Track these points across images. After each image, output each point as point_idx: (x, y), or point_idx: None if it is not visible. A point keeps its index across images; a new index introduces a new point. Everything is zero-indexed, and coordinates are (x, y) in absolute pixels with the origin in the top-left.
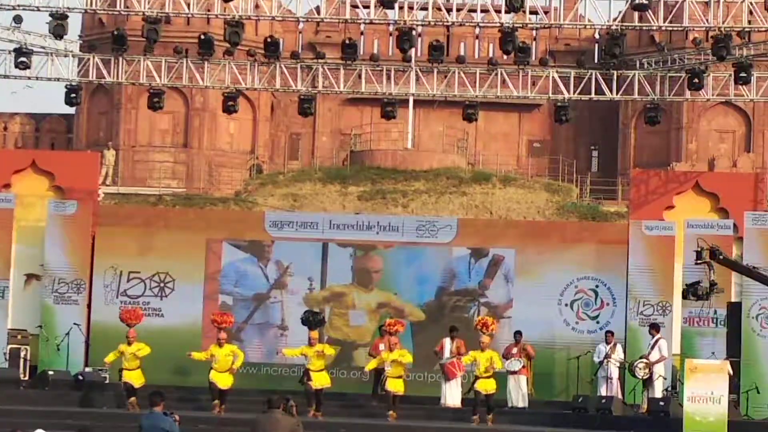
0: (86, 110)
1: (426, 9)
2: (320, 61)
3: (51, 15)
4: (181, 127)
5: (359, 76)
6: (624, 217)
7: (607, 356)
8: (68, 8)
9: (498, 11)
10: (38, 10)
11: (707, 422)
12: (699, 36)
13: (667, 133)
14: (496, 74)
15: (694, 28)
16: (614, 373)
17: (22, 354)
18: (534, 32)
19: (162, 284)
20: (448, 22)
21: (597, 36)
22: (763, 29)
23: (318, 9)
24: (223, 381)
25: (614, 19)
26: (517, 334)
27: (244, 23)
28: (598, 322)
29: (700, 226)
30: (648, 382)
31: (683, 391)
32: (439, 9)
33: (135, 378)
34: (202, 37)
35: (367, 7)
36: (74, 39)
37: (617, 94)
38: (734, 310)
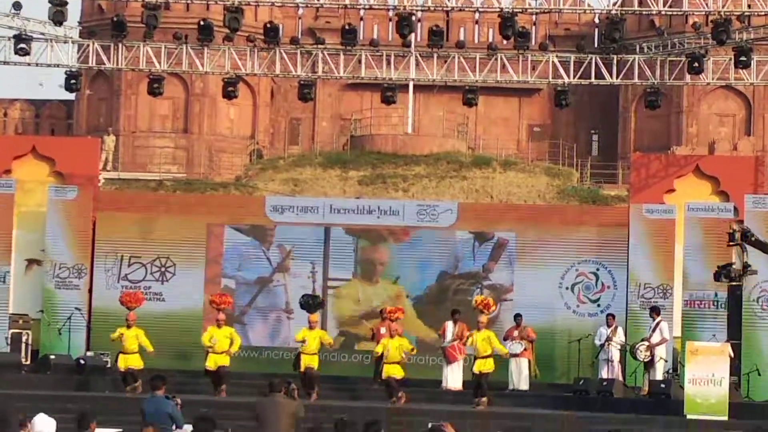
0: (86, 96)
1: None
2: (320, 46)
3: (50, 1)
4: (181, 112)
5: (359, 62)
6: (624, 200)
7: (609, 339)
8: None
9: None
10: None
11: (708, 404)
12: (699, 20)
13: (668, 117)
14: (496, 59)
15: (694, 12)
16: (615, 355)
17: (24, 339)
18: (534, 17)
19: (163, 269)
20: (447, 7)
21: (597, 20)
22: (763, 13)
23: None
24: (219, 361)
25: (614, 4)
26: (518, 317)
27: (244, 9)
28: (598, 305)
29: (700, 209)
30: (649, 365)
31: (684, 373)
32: None
33: (134, 362)
34: (202, 23)
35: None
36: (74, 25)
37: (617, 78)
38: (735, 293)
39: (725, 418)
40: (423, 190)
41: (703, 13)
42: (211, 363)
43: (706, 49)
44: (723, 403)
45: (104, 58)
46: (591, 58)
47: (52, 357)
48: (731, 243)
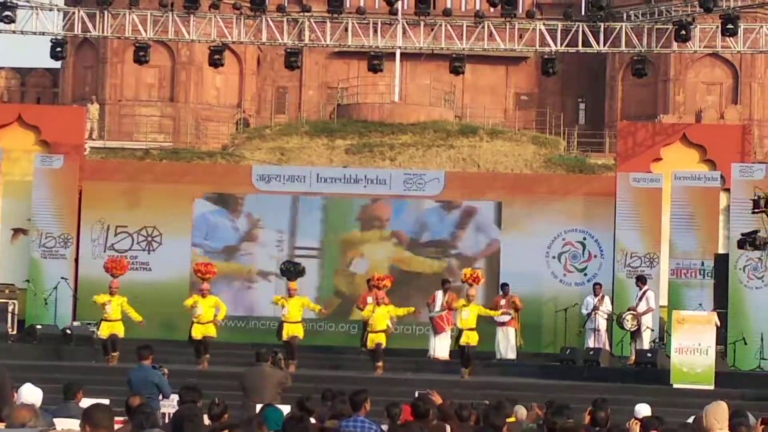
0: (72, 64)
1: None
2: (306, 14)
3: None
4: (167, 81)
5: (346, 30)
6: (611, 169)
7: (595, 308)
8: None
9: None
10: None
11: (694, 373)
12: None
13: (655, 86)
14: (483, 27)
15: None
16: (602, 324)
17: (10, 308)
18: None
19: (149, 238)
20: None
21: None
22: None
23: None
24: (205, 331)
25: None
26: (505, 286)
27: None
28: (585, 275)
29: (687, 177)
30: (636, 334)
31: (671, 342)
32: None
33: (117, 328)
34: None
35: None
36: None
37: (604, 46)
38: (721, 262)
39: (711, 387)
40: (410, 159)
41: None
42: (197, 333)
43: (693, 16)
44: (709, 372)
45: (90, 25)
46: (578, 26)
47: (39, 327)
48: (756, 210)
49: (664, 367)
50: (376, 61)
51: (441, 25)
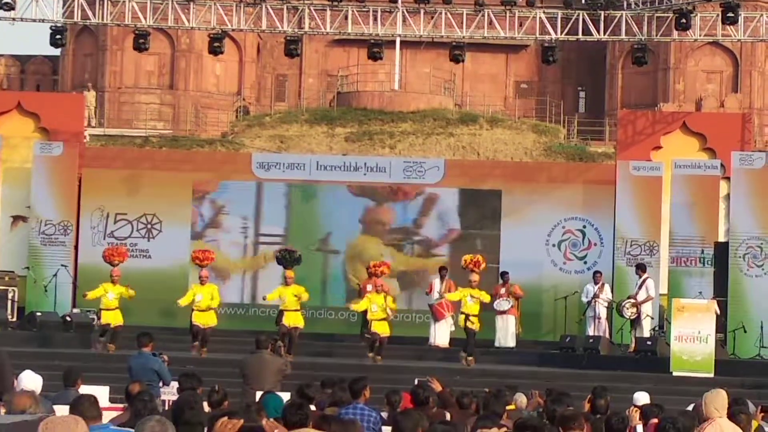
0: (71, 52)
1: None
2: (306, 2)
3: None
4: (167, 68)
5: (345, 17)
6: (611, 157)
7: (595, 296)
8: None
9: None
10: None
11: (694, 361)
12: None
13: (655, 74)
14: (483, 15)
15: None
16: (602, 312)
17: (10, 295)
18: None
19: (149, 225)
20: None
21: None
22: None
23: None
24: (205, 319)
25: None
26: (505, 274)
27: None
28: (585, 263)
29: (687, 166)
30: (635, 322)
31: (670, 330)
32: None
33: (113, 318)
34: None
35: None
36: None
37: (604, 34)
38: (721, 250)
39: (711, 374)
40: (410, 147)
41: None
42: (200, 320)
43: (693, 5)
44: (709, 360)
45: (89, 13)
46: (578, 14)
47: (38, 314)
48: None
49: (664, 355)
50: (375, 49)
51: (441, 13)
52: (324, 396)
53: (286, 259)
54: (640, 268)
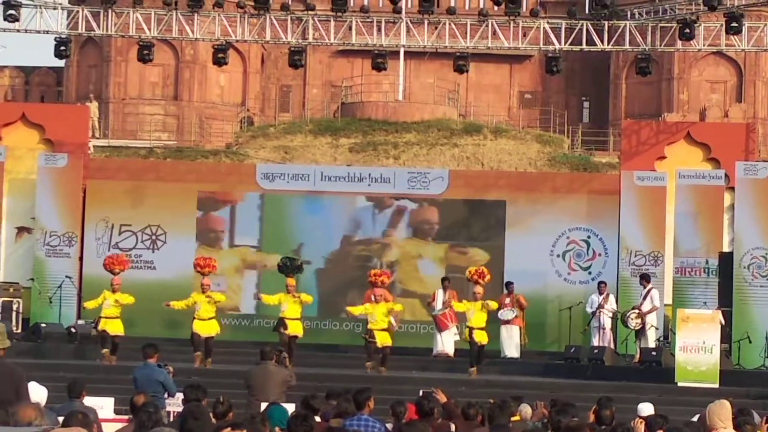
0: (76, 63)
1: None
2: (310, 12)
3: None
4: (171, 79)
5: (349, 28)
6: (615, 167)
7: (600, 306)
8: None
9: None
10: None
11: (699, 371)
12: None
13: (659, 84)
14: (487, 25)
15: None
16: (607, 323)
17: (15, 307)
18: None
19: (154, 237)
20: None
21: None
22: None
23: None
24: (207, 329)
25: None
26: (509, 284)
27: None
28: (590, 273)
29: (691, 176)
30: (640, 332)
31: (675, 340)
32: None
33: (113, 327)
34: None
35: None
36: None
37: (608, 44)
38: (726, 260)
39: (716, 385)
40: (414, 157)
41: None
42: (203, 330)
43: (697, 15)
44: (714, 371)
45: (94, 24)
46: (582, 25)
47: (43, 325)
48: None
49: (669, 366)
50: (380, 59)
51: (445, 24)
52: (329, 407)
53: (288, 267)
54: (645, 279)
